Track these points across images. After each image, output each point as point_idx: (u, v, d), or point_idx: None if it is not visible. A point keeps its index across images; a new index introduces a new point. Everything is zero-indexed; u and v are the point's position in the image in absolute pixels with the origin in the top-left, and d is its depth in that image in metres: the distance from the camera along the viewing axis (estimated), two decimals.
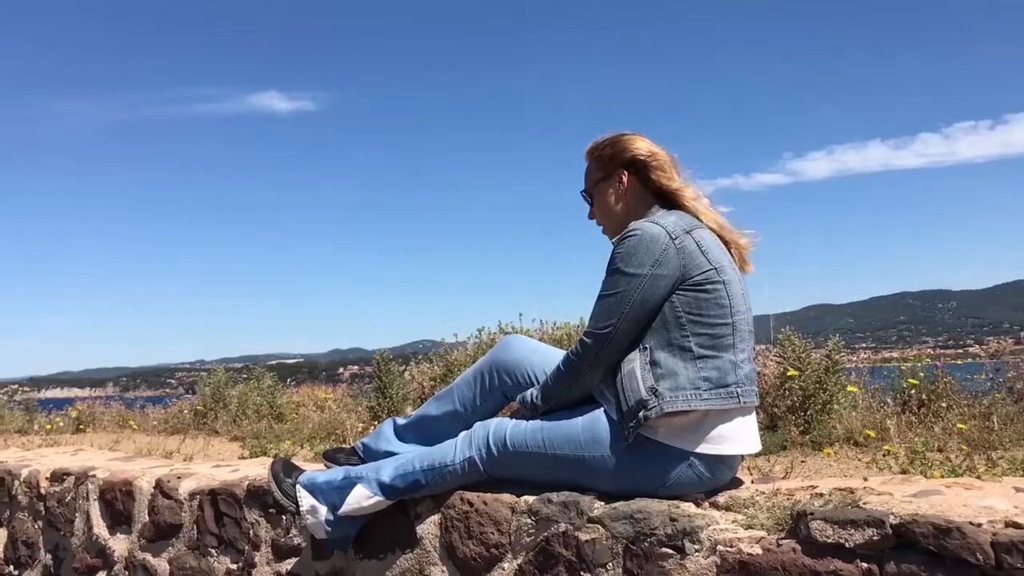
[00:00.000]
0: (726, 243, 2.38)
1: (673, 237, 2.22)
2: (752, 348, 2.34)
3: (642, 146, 2.45)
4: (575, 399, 2.38)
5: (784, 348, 4.73)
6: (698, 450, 2.18)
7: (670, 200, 2.42)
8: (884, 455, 3.33)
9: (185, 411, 7.14)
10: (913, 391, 4.40)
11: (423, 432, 2.69)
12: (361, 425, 5.37)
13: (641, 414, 2.15)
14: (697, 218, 2.36)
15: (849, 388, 4.45)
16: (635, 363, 2.22)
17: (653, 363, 2.21)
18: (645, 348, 2.23)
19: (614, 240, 2.32)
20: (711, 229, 2.36)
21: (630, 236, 2.25)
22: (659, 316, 2.23)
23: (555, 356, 2.49)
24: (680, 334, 2.21)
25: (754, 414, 2.34)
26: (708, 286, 2.22)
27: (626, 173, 2.45)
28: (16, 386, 12.05)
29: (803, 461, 3.63)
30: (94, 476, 3.57)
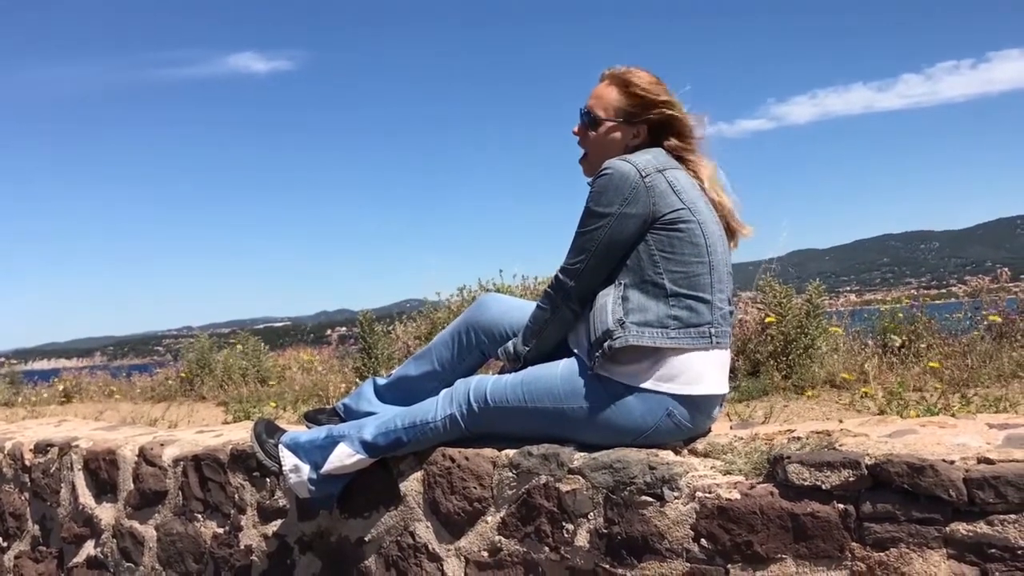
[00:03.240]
0: (723, 220, 2.38)
1: (644, 175, 2.22)
2: (731, 290, 2.35)
3: (674, 107, 2.39)
4: (556, 338, 2.41)
5: (765, 294, 4.75)
6: (674, 391, 2.18)
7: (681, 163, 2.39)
8: (862, 397, 3.36)
9: (170, 378, 7.12)
10: (891, 334, 4.44)
11: (403, 392, 2.70)
12: (344, 386, 5.38)
13: (606, 344, 2.17)
14: (700, 182, 2.35)
15: (832, 329, 4.47)
16: (608, 297, 2.25)
17: (625, 299, 2.23)
18: (619, 284, 2.26)
19: (589, 179, 2.32)
20: (711, 200, 2.35)
21: (602, 175, 2.26)
22: (634, 254, 2.25)
23: (530, 312, 2.49)
24: (653, 271, 2.22)
25: (728, 354, 2.35)
26: (681, 224, 2.23)
27: (645, 129, 2.42)
28: (2, 359, 12.02)
29: (785, 406, 3.66)
30: (77, 446, 3.56)
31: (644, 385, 2.20)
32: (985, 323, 4.45)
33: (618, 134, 2.43)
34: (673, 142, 2.40)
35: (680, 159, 2.39)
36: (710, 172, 2.41)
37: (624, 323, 2.18)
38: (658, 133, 2.42)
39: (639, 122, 2.41)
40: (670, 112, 2.40)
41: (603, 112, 2.43)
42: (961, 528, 1.71)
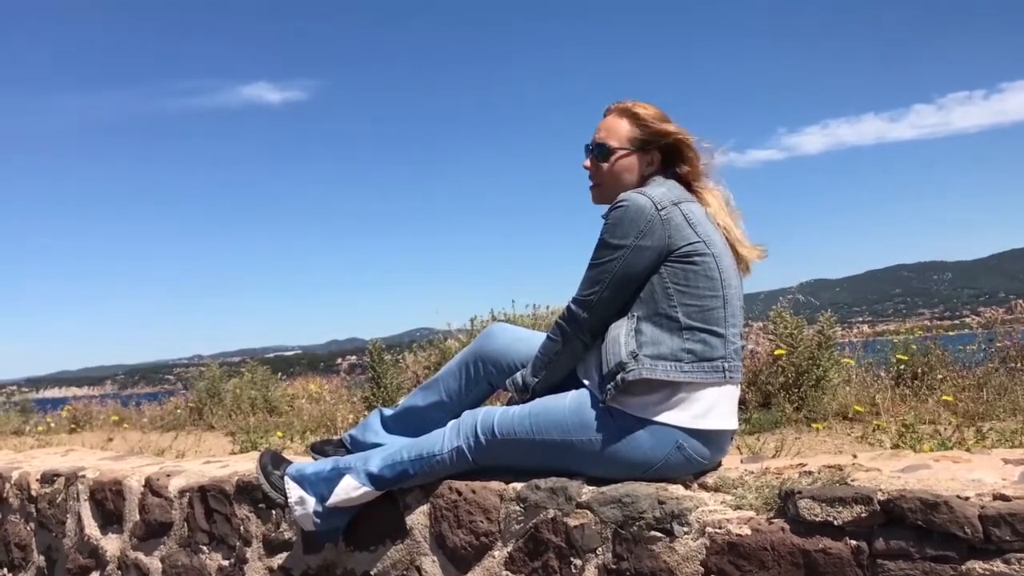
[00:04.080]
0: (730, 245, 2.36)
1: (659, 208, 2.22)
2: (743, 324, 2.34)
3: (682, 135, 2.41)
4: (565, 369, 2.39)
5: (776, 325, 4.71)
6: (685, 424, 2.17)
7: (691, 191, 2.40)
8: (875, 430, 3.32)
9: (179, 408, 7.11)
10: (904, 365, 4.39)
11: (410, 423, 2.67)
12: (352, 416, 5.35)
13: (619, 376, 2.15)
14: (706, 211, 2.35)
15: (844, 360, 4.43)
16: (621, 329, 2.24)
17: (638, 331, 2.22)
18: (633, 316, 2.25)
19: (604, 212, 2.31)
20: (719, 226, 2.34)
21: (618, 207, 2.25)
22: (647, 286, 2.24)
23: (538, 343, 2.47)
24: (667, 304, 2.21)
25: (739, 389, 2.34)
26: (696, 258, 2.22)
27: (659, 156, 2.43)
28: (14, 387, 12.02)
29: (797, 438, 3.62)
30: (84, 476, 3.55)
31: (655, 418, 2.18)
32: (999, 354, 4.40)
33: (633, 160, 2.43)
34: (685, 169, 2.41)
35: (691, 187, 2.40)
36: (720, 199, 2.41)
37: (637, 356, 2.16)
38: (669, 161, 2.43)
39: (652, 149, 2.42)
40: (680, 137, 2.40)
41: (616, 142, 2.44)
42: (977, 567, 1.67)
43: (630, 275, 2.24)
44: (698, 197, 2.38)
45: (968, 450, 2.31)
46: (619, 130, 2.44)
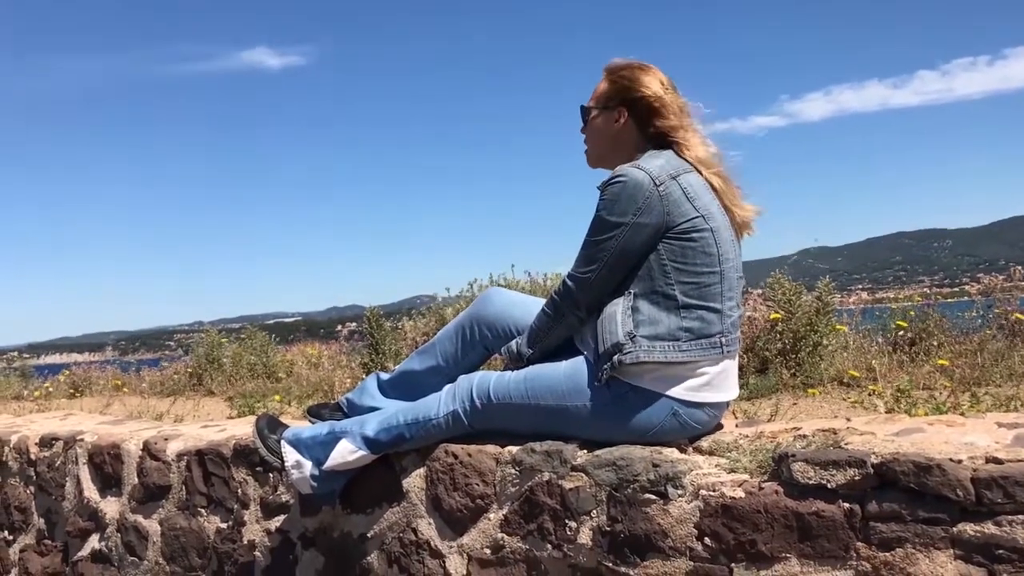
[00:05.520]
0: (726, 210, 2.31)
1: (658, 184, 2.17)
2: (741, 294, 2.32)
3: (650, 88, 2.34)
4: (560, 340, 2.39)
5: (774, 291, 4.71)
6: (681, 396, 2.17)
7: (670, 147, 2.33)
8: (870, 395, 3.33)
9: (179, 373, 7.13)
10: (901, 332, 4.40)
11: (406, 387, 2.68)
12: (350, 381, 5.37)
13: (616, 357, 2.14)
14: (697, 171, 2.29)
15: (838, 327, 4.44)
16: (618, 307, 2.21)
17: (635, 309, 2.20)
18: (630, 294, 2.22)
19: (600, 185, 2.27)
20: (711, 186, 2.29)
21: (615, 182, 2.21)
22: (645, 264, 2.21)
23: (535, 308, 2.47)
24: (665, 282, 2.19)
25: (736, 360, 2.34)
26: (694, 234, 2.19)
27: (625, 111, 2.39)
28: (15, 353, 12.05)
29: (793, 404, 3.63)
30: (82, 440, 3.56)
31: (651, 388, 2.18)
32: (997, 320, 4.41)
33: (604, 123, 2.43)
34: (658, 124, 2.35)
35: (672, 142, 2.33)
36: (703, 153, 2.33)
37: (635, 336, 2.15)
38: (643, 118, 2.37)
39: (615, 106, 2.40)
40: (643, 91, 2.35)
41: (592, 102, 2.46)
42: (968, 528, 1.69)
43: (628, 253, 2.21)
44: (679, 150, 2.31)
45: (963, 414, 2.32)
46: (597, 91, 2.46)
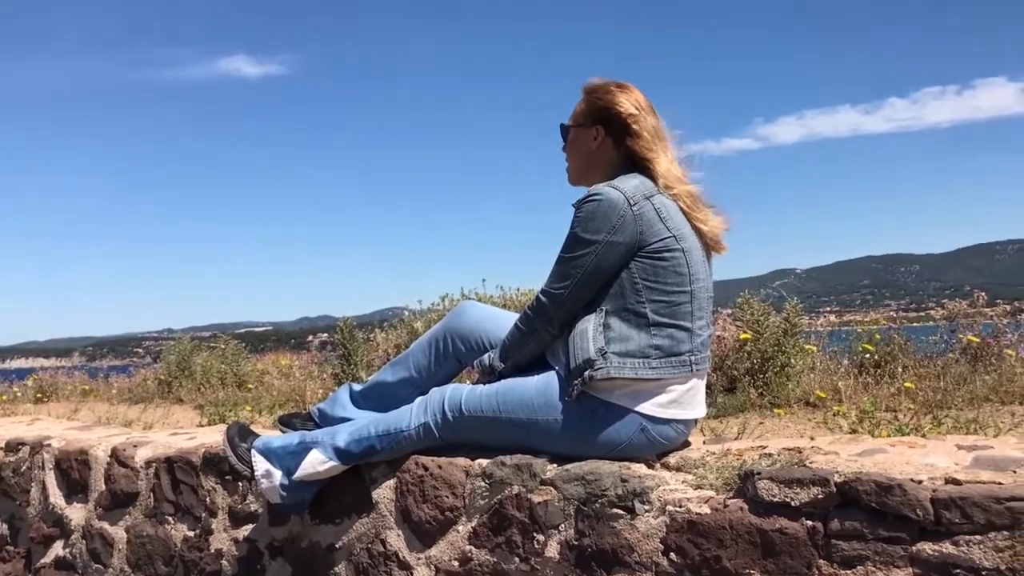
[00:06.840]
0: (694, 228, 2.33)
1: (632, 203, 2.21)
2: (711, 314, 2.36)
3: (625, 107, 2.37)
4: (532, 355, 2.42)
5: (743, 311, 4.77)
6: (650, 412, 2.21)
7: (641, 168, 2.36)
8: (835, 415, 3.38)
9: (148, 380, 7.06)
10: (867, 355, 4.47)
11: (378, 398, 2.69)
12: (322, 392, 5.35)
13: (587, 373, 2.17)
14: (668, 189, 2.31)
15: (807, 347, 4.50)
16: (589, 323, 2.24)
17: (607, 326, 2.23)
18: (601, 311, 2.25)
19: (575, 203, 2.30)
20: (672, 193, 2.32)
21: (590, 200, 2.25)
22: (617, 281, 2.25)
23: (508, 322, 2.50)
24: (636, 300, 2.23)
25: (705, 379, 2.37)
26: (666, 253, 2.23)
27: (602, 130, 2.42)
28: None
29: (760, 423, 3.67)
30: (50, 445, 3.54)
31: (620, 403, 2.21)
32: (961, 344, 4.49)
33: (581, 140, 2.47)
34: (630, 144, 2.37)
35: (640, 159, 2.36)
36: (674, 174, 2.34)
37: (606, 353, 2.18)
38: (619, 135, 2.40)
39: (592, 124, 2.43)
40: (618, 110, 2.38)
41: (571, 120, 2.50)
42: (927, 548, 1.72)
43: (601, 270, 2.24)
44: (650, 165, 2.33)
45: (924, 436, 2.37)
46: (576, 110, 2.50)
